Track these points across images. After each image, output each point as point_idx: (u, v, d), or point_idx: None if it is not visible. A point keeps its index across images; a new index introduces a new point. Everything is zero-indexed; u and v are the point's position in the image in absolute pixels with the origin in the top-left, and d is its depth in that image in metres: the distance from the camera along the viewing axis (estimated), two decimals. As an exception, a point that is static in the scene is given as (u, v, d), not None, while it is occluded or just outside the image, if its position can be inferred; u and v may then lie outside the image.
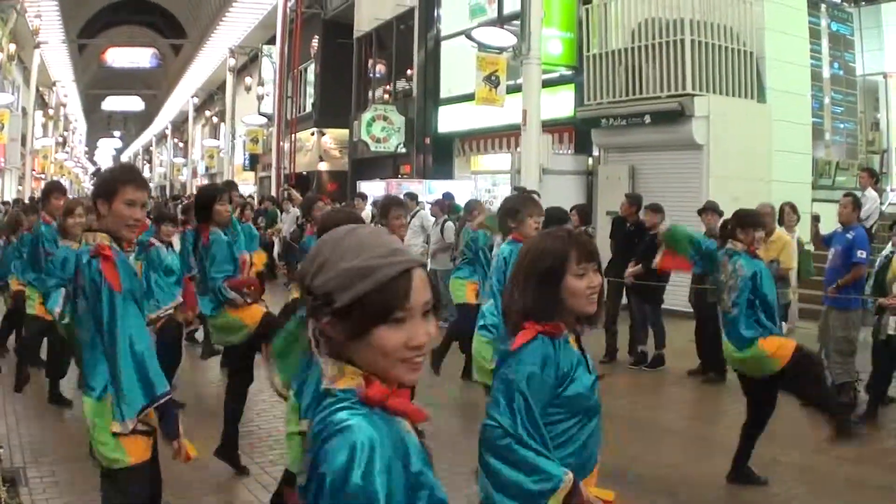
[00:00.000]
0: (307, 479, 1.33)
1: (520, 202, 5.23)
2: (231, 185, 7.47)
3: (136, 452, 3.12)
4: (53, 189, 7.79)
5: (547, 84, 13.40)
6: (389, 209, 5.84)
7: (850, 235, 7.32)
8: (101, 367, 3.10)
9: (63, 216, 5.93)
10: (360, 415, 1.34)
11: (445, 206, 11.34)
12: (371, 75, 23.41)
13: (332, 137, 25.99)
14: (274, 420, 6.57)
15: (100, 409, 3.09)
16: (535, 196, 7.10)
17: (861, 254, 7.21)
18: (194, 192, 31.65)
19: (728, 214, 6.48)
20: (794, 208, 8.76)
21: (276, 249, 16.14)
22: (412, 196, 12.44)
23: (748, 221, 5.32)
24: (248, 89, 33.41)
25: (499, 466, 2.25)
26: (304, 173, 26.78)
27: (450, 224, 10.67)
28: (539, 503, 2.22)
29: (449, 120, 18.98)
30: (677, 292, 9.83)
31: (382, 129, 20.21)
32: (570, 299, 2.41)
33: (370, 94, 23.07)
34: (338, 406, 1.35)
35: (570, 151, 15.43)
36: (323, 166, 26.13)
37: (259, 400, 6.88)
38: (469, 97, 15.13)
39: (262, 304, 5.41)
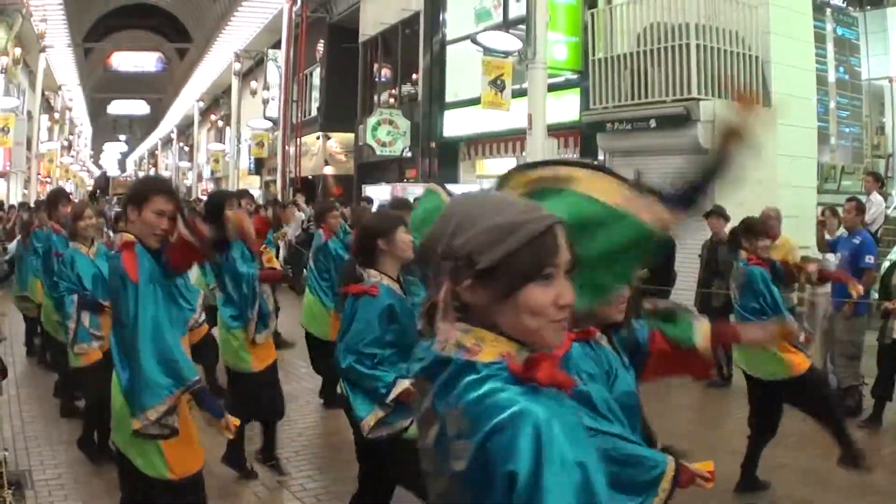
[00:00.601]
0: (467, 465, 1.21)
1: None
2: (244, 194, 7.48)
3: (179, 465, 3.17)
4: (61, 196, 7.72)
5: (552, 88, 13.37)
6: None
7: (856, 241, 7.31)
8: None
9: (73, 221, 5.93)
10: (521, 392, 1.22)
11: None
12: (376, 79, 23.41)
13: (338, 141, 26.01)
14: (282, 423, 6.56)
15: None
16: None
17: (870, 259, 7.22)
18: (200, 195, 31.78)
19: (734, 218, 6.49)
20: (834, 212, 8.48)
21: (282, 254, 16.14)
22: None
23: (751, 230, 5.43)
24: (254, 93, 33.44)
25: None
26: (310, 177, 26.80)
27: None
28: (654, 490, 2.31)
29: (454, 124, 18.96)
30: (683, 296, 9.82)
31: (388, 133, 20.20)
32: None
33: (375, 98, 23.08)
34: (490, 387, 1.23)
35: (575, 155, 15.42)
36: (328, 170, 26.15)
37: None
38: (475, 101, 15.12)
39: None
